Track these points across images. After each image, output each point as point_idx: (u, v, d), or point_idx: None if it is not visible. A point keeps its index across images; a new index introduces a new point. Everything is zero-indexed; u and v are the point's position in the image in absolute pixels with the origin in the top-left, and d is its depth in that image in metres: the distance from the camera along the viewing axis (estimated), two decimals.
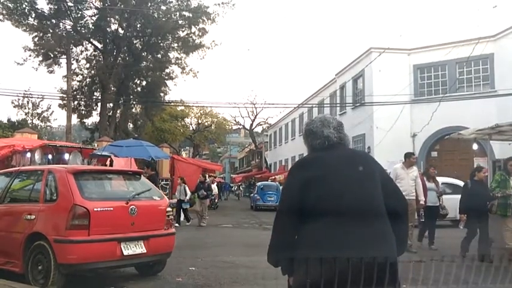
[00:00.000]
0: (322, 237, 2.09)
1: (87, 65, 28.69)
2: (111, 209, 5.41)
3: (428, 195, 8.90)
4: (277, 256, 2.21)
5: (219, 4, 25.89)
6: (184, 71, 28.48)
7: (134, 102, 29.92)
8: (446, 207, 9.36)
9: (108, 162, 13.84)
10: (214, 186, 24.52)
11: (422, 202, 8.61)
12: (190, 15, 26.00)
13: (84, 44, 27.38)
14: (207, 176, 18.48)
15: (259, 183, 27.13)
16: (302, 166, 2.31)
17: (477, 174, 7.79)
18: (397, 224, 2.23)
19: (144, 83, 29.28)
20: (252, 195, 26.46)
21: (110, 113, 28.58)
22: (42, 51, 25.47)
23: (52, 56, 25.93)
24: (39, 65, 26.10)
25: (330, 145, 2.30)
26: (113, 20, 26.06)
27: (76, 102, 28.90)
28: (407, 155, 8.86)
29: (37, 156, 13.22)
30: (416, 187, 8.55)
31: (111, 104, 28.08)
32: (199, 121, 42.53)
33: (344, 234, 2.07)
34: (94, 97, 29.42)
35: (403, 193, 8.03)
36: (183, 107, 36.67)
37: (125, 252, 5.35)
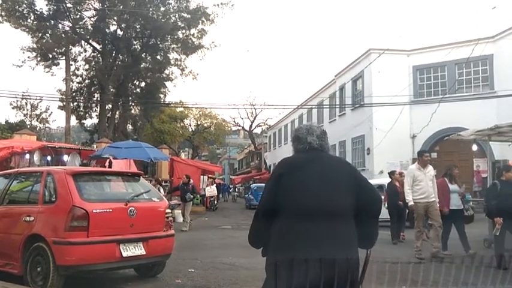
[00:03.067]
0: (286, 229, 2.35)
1: (86, 66, 28.73)
2: (110, 210, 5.39)
3: (452, 197, 8.13)
4: (253, 240, 2.59)
5: (217, 5, 25.94)
6: (183, 73, 28.51)
7: (133, 104, 29.90)
8: (471, 209, 8.69)
9: (107, 164, 13.82)
10: (213, 188, 24.56)
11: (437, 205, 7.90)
12: (189, 16, 26.00)
13: (83, 45, 27.40)
14: (206, 177, 18.36)
15: (253, 185, 29.85)
16: (282, 164, 2.63)
17: (505, 174, 7.19)
18: (368, 221, 2.49)
19: (143, 84, 29.30)
20: (246, 196, 29.27)
21: (109, 115, 28.57)
22: (40, 51, 25.43)
23: (51, 56, 25.91)
24: (36, 64, 26.06)
25: (310, 149, 2.60)
26: (111, 21, 26.04)
27: (75, 104, 28.86)
28: (419, 154, 8.31)
29: (36, 157, 13.20)
30: (433, 187, 7.91)
31: (110, 106, 28.07)
32: (199, 122, 42.45)
33: (305, 229, 2.31)
34: (93, 98, 29.40)
35: (423, 195, 7.64)
36: (182, 108, 36.61)
37: (124, 254, 5.32)
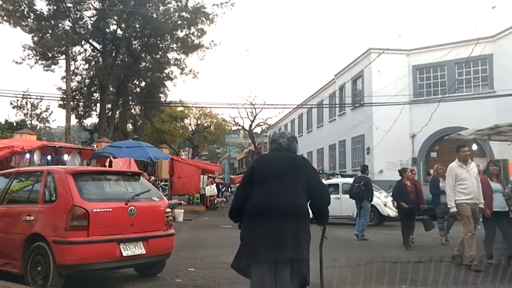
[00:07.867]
0: (251, 212, 3.12)
1: (86, 66, 28.69)
2: (111, 209, 5.38)
3: (495, 198, 6.93)
4: (232, 217, 3.36)
5: (217, 5, 25.92)
6: (183, 72, 28.48)
7: (133, 103, 29.86)
8: None
9: (107, 163, 13.82)
10: (213, 187, 24.61)
11: (482, 206, 6.74)
12: (189, 15, 25.99)
13: (83, 44, 27.35)
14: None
15: None
16: (255, 159, 3.60)
17: None
18: (319, 208, 3.30)
19: (143, 83, 29.23)
20: None
21: (109, 114, 28.54)
22: (40, 50, 25.40)
23: (51, 56, 25.89)
24: (35, 63, 25.98)
25: (280, 149, 3.38)
26: (112, 20, 26.02)
27: (75, 103, 28.84)
28: (457, 149, 7.07)
29: (36, 157, 13.21)
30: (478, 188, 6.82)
31: (110, 105, 28.05)
32: (199, 122, 42.43)
33: (262, 224, 3.05)
34: (93, 98, 29.38)
35: (470, 195, 6.79)
36: (182, 108, 36.60)
37: (124, 253, 5.32)
